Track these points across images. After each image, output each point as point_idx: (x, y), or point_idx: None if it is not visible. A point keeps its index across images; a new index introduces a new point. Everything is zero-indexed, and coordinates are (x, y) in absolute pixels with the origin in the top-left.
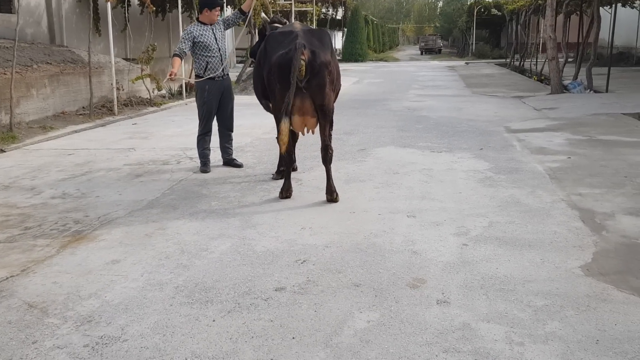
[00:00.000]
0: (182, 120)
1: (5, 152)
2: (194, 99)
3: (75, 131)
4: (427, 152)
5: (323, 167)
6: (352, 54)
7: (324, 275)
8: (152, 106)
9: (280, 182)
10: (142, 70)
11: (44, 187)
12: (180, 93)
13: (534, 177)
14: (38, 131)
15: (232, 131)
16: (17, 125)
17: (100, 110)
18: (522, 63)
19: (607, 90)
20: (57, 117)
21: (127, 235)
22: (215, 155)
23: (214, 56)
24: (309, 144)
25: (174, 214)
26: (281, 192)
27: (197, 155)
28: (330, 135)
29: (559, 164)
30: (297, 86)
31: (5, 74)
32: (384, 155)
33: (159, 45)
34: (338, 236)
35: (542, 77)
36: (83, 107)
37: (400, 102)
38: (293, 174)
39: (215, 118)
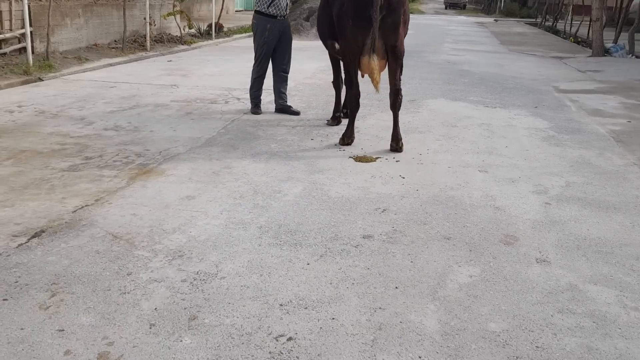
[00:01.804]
0: (218, 60)
1: (43, 80)
2: (222, 39)
3: (110, 64)
4: (480, 107)
5: (376, 116)
6: None
7: (409, 226)
8: (182, 44)
9: (336, 128)
10: (174, 6)
11: (93, 117)
12: (208, 33)
13: (598, 138)
14: (73, 62)
15: (287, 74)
16: (51, 55)
17: (132, 45)
18: (555, 23)
19: None
20: (89, 48)
21: (194, 171)
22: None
23: None
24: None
25: (235, 153)
26: (343, 139)
27: (244, 96)
28: (400, 79)
29: (620, 127)
30: (370, 25)
31: (40, 0)
32: (436, 107)
33: None
34: (412, 187)
35: (579, 39)
36: (115, 41)
37: (438, 55)
38: (345, 121)
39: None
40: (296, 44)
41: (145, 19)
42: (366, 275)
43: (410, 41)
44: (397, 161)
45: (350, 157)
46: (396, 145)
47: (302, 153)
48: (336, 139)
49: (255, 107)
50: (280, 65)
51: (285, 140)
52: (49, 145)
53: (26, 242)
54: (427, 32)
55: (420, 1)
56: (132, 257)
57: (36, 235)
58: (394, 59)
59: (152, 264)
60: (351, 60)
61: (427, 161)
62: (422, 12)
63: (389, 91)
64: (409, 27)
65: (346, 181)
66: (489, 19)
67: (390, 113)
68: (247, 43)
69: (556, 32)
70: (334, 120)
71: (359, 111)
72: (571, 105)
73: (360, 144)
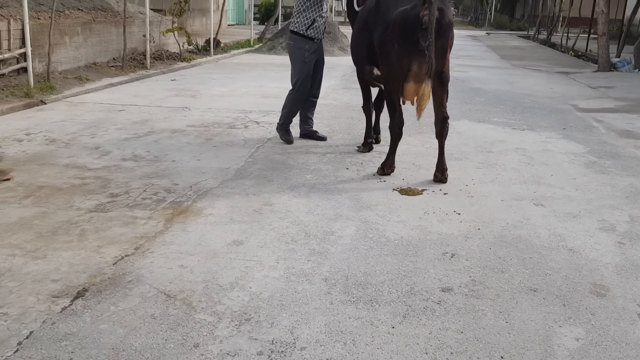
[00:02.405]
0: (223, 79)
1: (46, 103)
2: (220, 55)
3: (112, 84)
4: (508, 129)
5: (405, 140)
6: None
7: (487, 275)
8: (181, 61)
9: (369, 155)
10: (172, 22)
11: (108, 146)
12: (206, 49)
13: None
14: (74, 82)
15: (317, 99)
16: (51, 75)
17: (131, 63)
18: (549, 36)
19: None
20: (89, 67)
21: (233, 210)
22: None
23: (323, 16)
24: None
25: (271, 186)
26: (382, 169)
27: (263, 119)
28: (446, 106)
29: None
30: (417, 49)
31: (39, 18)
32: (463, 129)
33: None
34: (472, 225)
35: (579, 53)
36: (114, 59)
37: None
38: (376, 147)
39: None
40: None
41: (144, 36)
42: (463, 342)
43: None
44: (444, 194)
45: (394, 189)
46: (442, 175)
47: (341, 185)
48: (372, 167)
49: (287, 134)
50: (310, 89)
51: (319, 170)
52: (67, 180)
53: (70, 305)
54: None
55: None
56: (194, 323)
57: (79, 295)
58: (441, 85)
59: (218, 331)
60: (395, 86)
61: (476, 193)
62: None
63: (433, 119)
64: None
65: (399, 219)
66: (480, 32)
67: (421, 138)
68: (247, 59)
69: (552, 46)
70: (366, 147)
71: (384, 135)
72: (599, 126)
73: (399, 173)
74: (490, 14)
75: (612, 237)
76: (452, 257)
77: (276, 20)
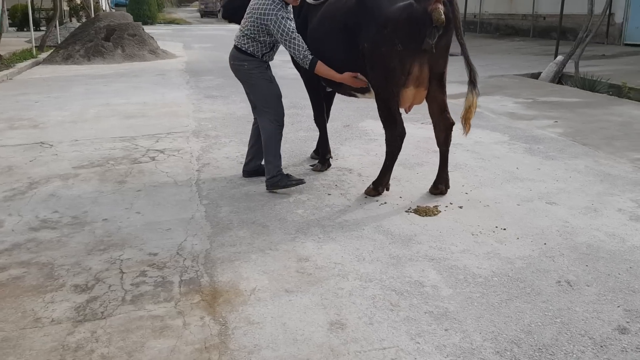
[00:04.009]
0: (47, 100)
1: None
2: (9, 71)
3: None
4: (418, 125)
5: (359, 152)
6: (139, 16)
7: (637, 299)
8: None
9: (336, 176)
10: None
11: None
12: None
13: (556, 142)
14: None
15: None
16: None
17: None
18: None
19: None
20: None
21: (272, 277)
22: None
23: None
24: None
25: (274, 235)
26: (377, 188)
27: (168, 146)
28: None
29: (560, 128)
30: (420, 49)
31: None
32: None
33: None
34: (533, 241)
35: None
36: None
37: (281, 70)
38: (335, 162)
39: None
40: (110, 68)
41: None
42: None
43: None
44: (460, 207)
45: (406, 211)
46: (445, 187)
47: (347, 216)
48: (352, 188)
49: (288, 177)
50: None
51: (302, 202)
52: None
53: None
54: (228, 45)
55: (167, 11)
56: None
57: None
58: (442, 88)
59: None
60: (395, 93)
61: (486, 201)
62: (187, 22)
63: (434, 127)
64: (198, 37)
65: (458, 248)
66: None
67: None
68: (48, 73)
69: None
70: (324, 165)
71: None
72: (483, 112)
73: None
74: None
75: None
76: (571, 285)
77: (56, 25)
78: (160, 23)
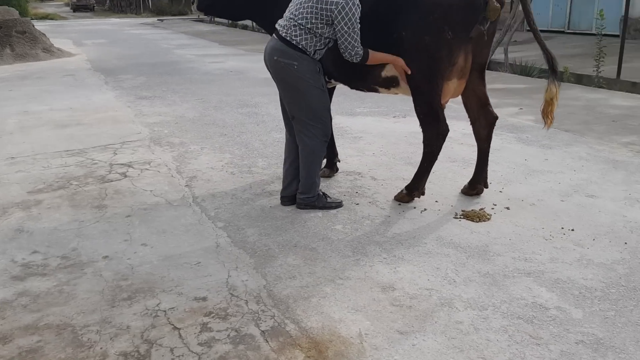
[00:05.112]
0: None
1: None
2: None
3: None
4: (380, 118)
5: (353, 152)
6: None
7: None
8: None
9: (345, 179)
10: None
11: None
12: None
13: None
14: None
15: None
16: None
17: None
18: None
19: None
20: None
21: (365, 313)
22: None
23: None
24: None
25: (336, 259)
26: (411, 193)
27: (129, 160)
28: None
29: (523, 118)
30: (467, 37)
31: None
32: (362, 127)
33: None
34: (613, 243)
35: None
36: None
37: (202, 66)
38: (343, 167)
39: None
40: (3, 70)
41: None
42: None
43: (130, 52)
44: (507, 208)
45: (453, 217)
46: (483, 187)
47: (396, 229)
48: (377, 196)
49: (325, 197)
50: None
51: (333, 215)
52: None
53: None
54: (126, 40)
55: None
56: None
57: None
58: (482, 80)
59: None
60: (439, 86)
61: (530, 199)
62: (63, 18)
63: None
64: (87, 33)
65: (544, 257)
66: (145, 20)
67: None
68: None
69: (245, 27)
70: (332, 169)
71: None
72: None
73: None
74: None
75: None
76: None
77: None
78: (33, 19)
